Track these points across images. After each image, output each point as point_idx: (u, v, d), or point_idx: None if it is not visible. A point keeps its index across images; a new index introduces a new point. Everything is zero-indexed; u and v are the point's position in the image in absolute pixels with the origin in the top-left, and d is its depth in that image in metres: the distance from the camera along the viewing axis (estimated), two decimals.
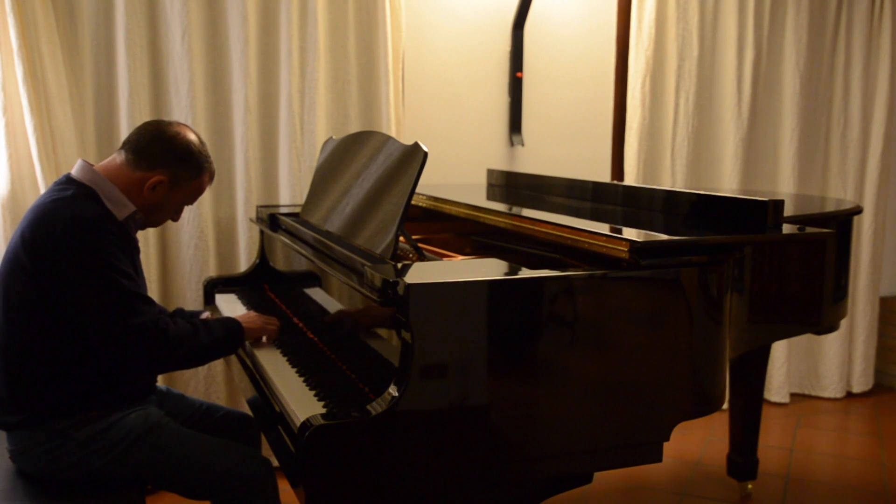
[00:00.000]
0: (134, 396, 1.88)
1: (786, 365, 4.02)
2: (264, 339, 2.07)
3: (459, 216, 2.32)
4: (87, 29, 2.80)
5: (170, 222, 2.92)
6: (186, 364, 1.90)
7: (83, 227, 1.71)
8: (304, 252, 2.09)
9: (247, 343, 2.06)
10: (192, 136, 1.93)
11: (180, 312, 2.26)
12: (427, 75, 3.41)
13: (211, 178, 2.00)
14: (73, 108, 2.74)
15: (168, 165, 1.87)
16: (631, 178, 3.68)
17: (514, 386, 1.53)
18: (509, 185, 3.09)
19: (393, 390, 1.44)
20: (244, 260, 3.01)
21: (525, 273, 1.55)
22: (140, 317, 1.70)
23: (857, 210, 2.66)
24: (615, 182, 3.31)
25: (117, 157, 1.88)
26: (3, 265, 1.80)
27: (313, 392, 1.71)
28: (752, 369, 2.92)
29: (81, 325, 1.72)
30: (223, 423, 2.09)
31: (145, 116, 2.81)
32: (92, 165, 1.86)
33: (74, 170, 1.86)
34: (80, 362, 1.76)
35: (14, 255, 1.75)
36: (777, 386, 4.03)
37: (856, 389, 4.22)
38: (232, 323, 1.95)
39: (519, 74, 3.53)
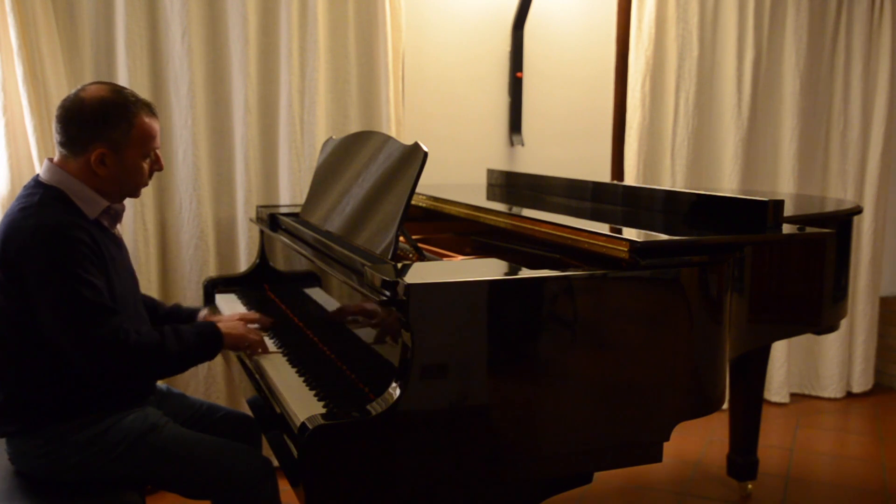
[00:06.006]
0: (131, 398, 1.87)
1: (786, 365, 4.02)
2: (259, 350, 1.99)
3: (459, 216, 2.32)
4: (87, 29, 2.80)
5: (170, 219, 2.98)
6: (161, 372, 1.84)
7: (47, 236, 1.67)
8: (304, 252, 2.09)
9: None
10: (101, 92, 1.77)
11: (177, 309, 2.25)
12: (427, 75, 3.41)
13: (149, 113, 1.82)
14: None
15: (97, 136, 1.75)
16: (631, 178, 3.68)
17: (514, 386, 1.53)
18: (509, 185, 3.09)
19: (393, 390, 1.44)
20: (244, 260, 3.01)
21: (525, 273, 1.55)
22: (99, 329, 1.65)
23: (857, 210, 2.66)
24: (615, 182, 3.31)
25: (60, 156, 1.80)
26: None
27: (313, 392, 1.71)
28: (752, 369, 2.92)
29: (48, 336, 1.69)
30: (223, 424, 2.09)
31: None
32: (56, 164, 1.79)
33: (42, 171, 1.81)
34: (71, 367, 1.73)
35: None
36: (777, 386, 4.03)
37: (856, 389, 4.21)
38: (207, 328, 1.88)
39: (519, 74, 3.53)
